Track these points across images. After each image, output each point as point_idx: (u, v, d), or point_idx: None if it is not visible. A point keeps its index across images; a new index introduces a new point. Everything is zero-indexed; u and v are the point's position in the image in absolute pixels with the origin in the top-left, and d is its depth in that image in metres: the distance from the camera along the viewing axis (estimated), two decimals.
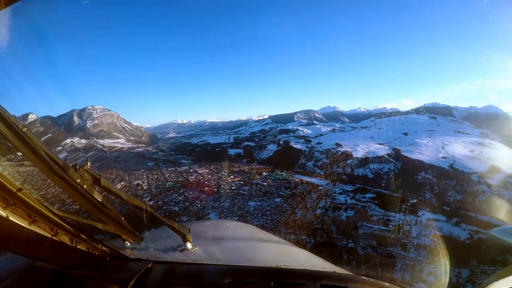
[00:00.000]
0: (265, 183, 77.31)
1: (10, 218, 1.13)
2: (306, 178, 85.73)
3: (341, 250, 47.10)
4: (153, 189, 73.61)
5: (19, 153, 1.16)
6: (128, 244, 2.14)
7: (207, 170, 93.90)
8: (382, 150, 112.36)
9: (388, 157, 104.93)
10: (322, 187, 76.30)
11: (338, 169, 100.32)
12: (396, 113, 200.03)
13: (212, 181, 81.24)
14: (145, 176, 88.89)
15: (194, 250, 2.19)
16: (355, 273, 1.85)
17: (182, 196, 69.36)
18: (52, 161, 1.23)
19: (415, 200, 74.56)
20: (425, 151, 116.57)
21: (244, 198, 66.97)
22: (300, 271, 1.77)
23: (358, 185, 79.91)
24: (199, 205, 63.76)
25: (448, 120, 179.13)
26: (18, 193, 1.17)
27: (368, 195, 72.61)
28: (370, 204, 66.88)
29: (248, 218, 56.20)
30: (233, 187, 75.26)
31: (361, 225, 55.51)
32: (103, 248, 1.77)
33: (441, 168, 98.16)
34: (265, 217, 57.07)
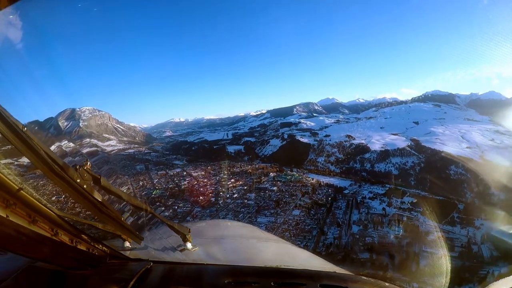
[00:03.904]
0: (274, 188, 57.95)
1: (10, 218, 1.10)
2: (323, 179, 66.48)
3: None
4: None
5: (19, 153, 1.11)
6: (128, 244, 2.00)
7: (203, 172, 74.24)
8: (400, 141, 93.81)
9: (409, 149, 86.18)
10: (347, 191, 57.20)
11: (356, 165, 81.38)
12: (396, 102, 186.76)
13: (208, 186, 61.62)
14: (129, 183, 69.32)
15: (194, 250, 2.06)
16: (355, 273, 1.72)
17: (170, 211, 49.99)
18: (52, 161, 1.19)
19: (462, 205, 56.02)
20: (446, 141, 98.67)
21: (251, 212, 47.63)
22: (300, 271, 1.68)
23: (388, 186, 61.03)
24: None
25: (453, 108, 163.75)
26: (18, 193, 1.13)
27: (406, 199, 53.82)
28: (414, 213, 48.12)
29: None
30: (235, 195, 55.89)
31: (419, 251, 36.65)
32: (103, 248, 1.69)
33: (471, 160, 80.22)
34: None
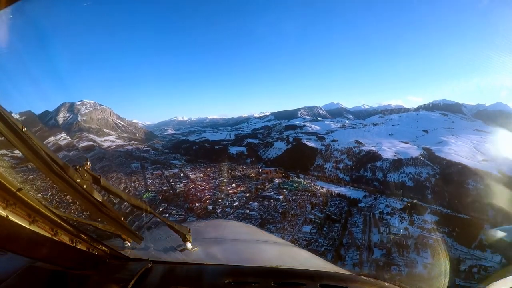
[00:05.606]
0: (280, 197, 50.86)
1: (10, 218, 1.09)
2: (333, 188, 59.38)
3: None
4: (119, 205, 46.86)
5: (19, 153, 1.10)
6: (128, 244, 1.97)
7: (202, 175, 67.32)
8: (412, 150, 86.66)
9: (423, 159, 79.04)
10: (363, 204, 50.08)
11: (367, 174, 74.10)
12: (402, 109, 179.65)
13: (206, 192, 54.65)
14: (122, 183, 62.37)
15: (194, 250, 2.03)
16: (355, 273, 1.71)
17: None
18: (52, 161, 1.18)
19: (489, 225, 48.82)
20: (459, 151, 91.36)
21: (254, 225, 40.54)
22: (300, 271, 1.66)
23: (405, 199, 53.94)
24: None
25: (460, 118, 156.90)
26: (18, 193, 1.13)
27: (428, 217, 46.92)
28: (440, 234, 41.34)
29: None
30: (236, 203, 48.87)
31: (452, 285, 29.49)
32: (103, 248, 1.67)
33: (490, 174, 72.98)
34: None
